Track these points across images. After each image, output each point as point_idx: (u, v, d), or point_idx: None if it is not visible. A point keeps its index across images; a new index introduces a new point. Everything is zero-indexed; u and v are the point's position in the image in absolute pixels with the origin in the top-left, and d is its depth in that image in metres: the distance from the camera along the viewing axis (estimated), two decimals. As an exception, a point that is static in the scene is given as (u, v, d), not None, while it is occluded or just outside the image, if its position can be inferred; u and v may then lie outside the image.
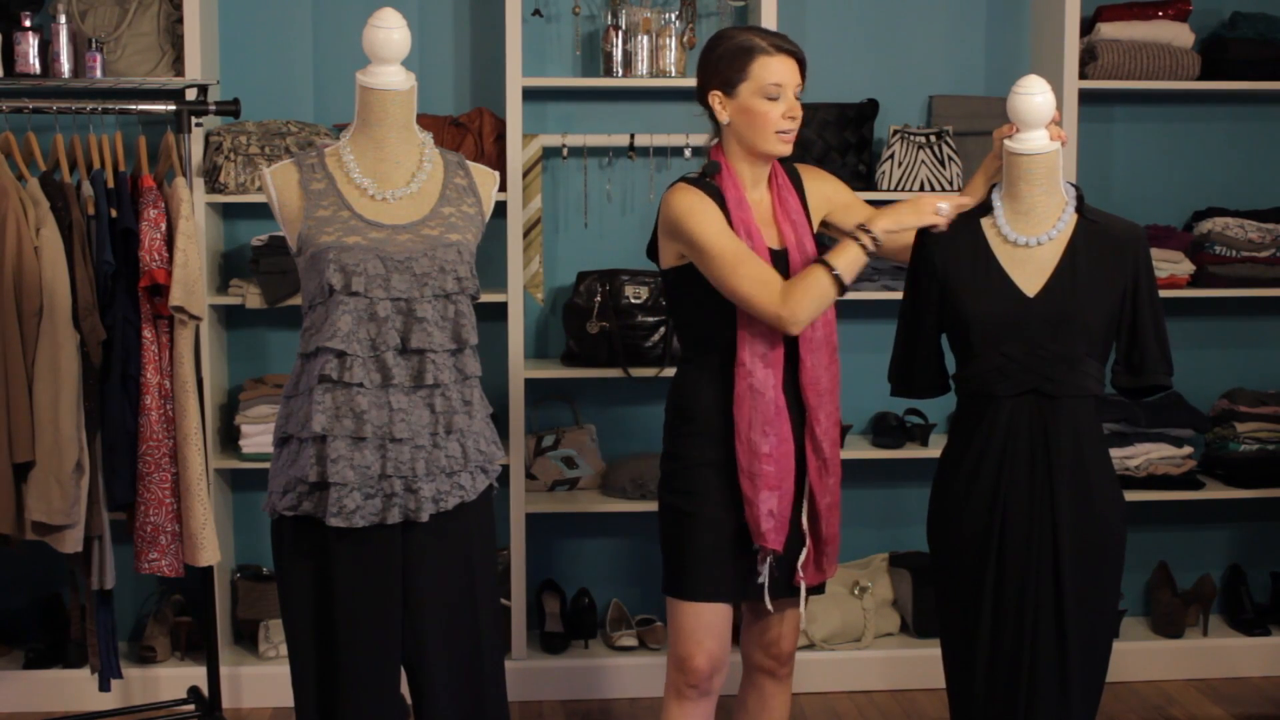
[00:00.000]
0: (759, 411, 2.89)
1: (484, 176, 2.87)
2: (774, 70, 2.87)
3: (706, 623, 2.97)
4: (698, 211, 2.88)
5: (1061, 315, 2.78)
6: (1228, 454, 4.49)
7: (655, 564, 3.12)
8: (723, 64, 2.91)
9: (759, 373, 2.89)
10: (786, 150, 2.93)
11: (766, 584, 2.96)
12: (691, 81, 3.15)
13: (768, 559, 2.94)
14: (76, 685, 4.14)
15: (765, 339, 2.89)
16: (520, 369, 4.22)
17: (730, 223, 2.89)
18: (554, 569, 4.57)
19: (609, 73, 4.31)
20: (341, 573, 2.67)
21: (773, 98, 2.88)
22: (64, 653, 4.21)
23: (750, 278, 2.83)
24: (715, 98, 2.93)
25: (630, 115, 4.44)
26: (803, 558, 2.99)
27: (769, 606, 3.00)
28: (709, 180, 2.94)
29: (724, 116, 2.93)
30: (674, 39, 4.27)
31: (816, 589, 3.09)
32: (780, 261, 2.92)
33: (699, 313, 2.97)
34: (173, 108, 3.88)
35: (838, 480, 3.02)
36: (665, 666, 3.10)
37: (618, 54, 4.29)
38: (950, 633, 2.93)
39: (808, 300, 2.82)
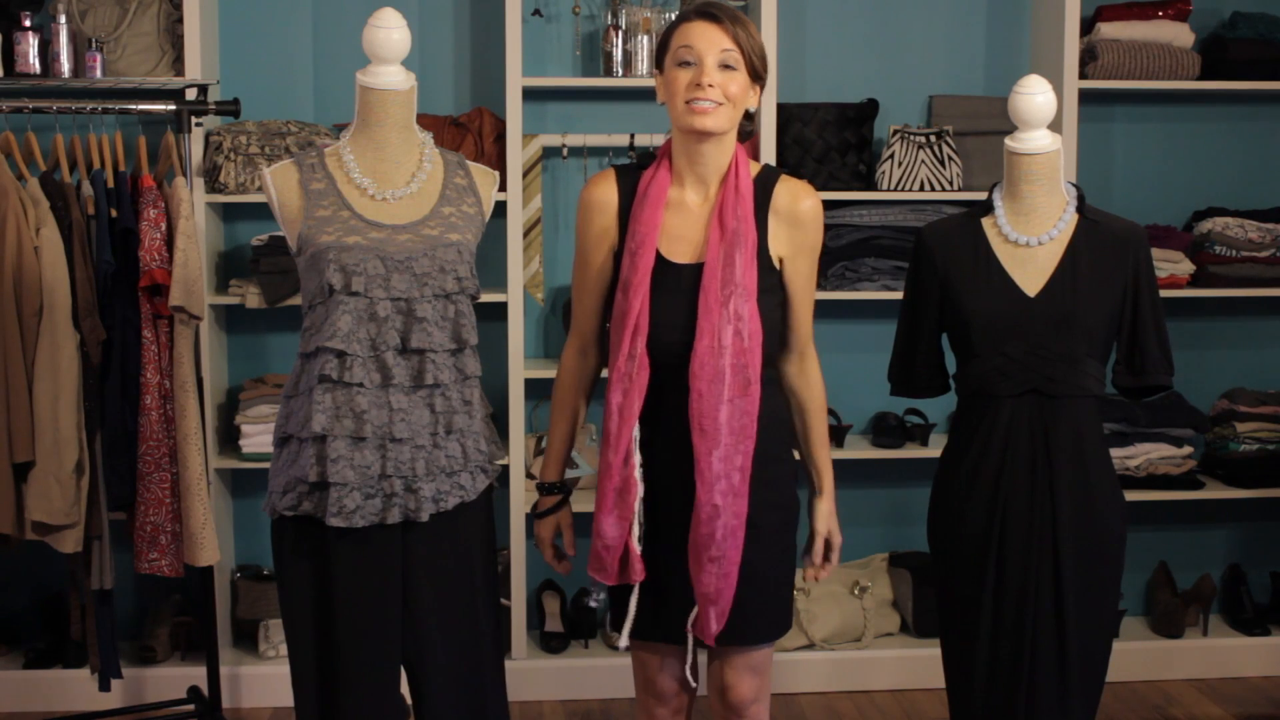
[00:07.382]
0: (610, 423, 2.66)
1: (484, 176, 2.86)
2: (685, 34, 2.59)
3: (660, 652, 2.80)
4: (581, 216, 2.76)
5: (1062, 315, 2.78)
6: (1228, 454, 4.49)
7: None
8: (659, 45, 2.68)
9: (616, 391, 2.65)
10: (701, 124, 2.55)
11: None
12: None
13: (595, 592, 2.70)
14: (76, 685, 4.14)
15: (633, 356, 2.63)
16: (520, 369, 4.22)
17: (628, 215, 2.67)
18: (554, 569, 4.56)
19: (609, 73, 4.31)
20: (341, 573, 2.66)
21: (684, 63, 2.58)
22: (64, 653, 4.21)
23: (575, 315, 2.81)
24: (655, 78, 2.70)
25: (630, 115, 4.44)
26: (694, 614, 2.67)
27: (691, 649, 2.74)
28: (640, 168, 2.71)
29: (660, 97, 2.67)
30: (674, 39, 4.26)
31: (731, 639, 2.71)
32: (687, 277, 2.62)
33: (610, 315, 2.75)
34: (173, 108, 3.88)
35: (735, 540, 2.58)
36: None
37: (618, 54, 4.29)
38: (950, 633, 2.93)
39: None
